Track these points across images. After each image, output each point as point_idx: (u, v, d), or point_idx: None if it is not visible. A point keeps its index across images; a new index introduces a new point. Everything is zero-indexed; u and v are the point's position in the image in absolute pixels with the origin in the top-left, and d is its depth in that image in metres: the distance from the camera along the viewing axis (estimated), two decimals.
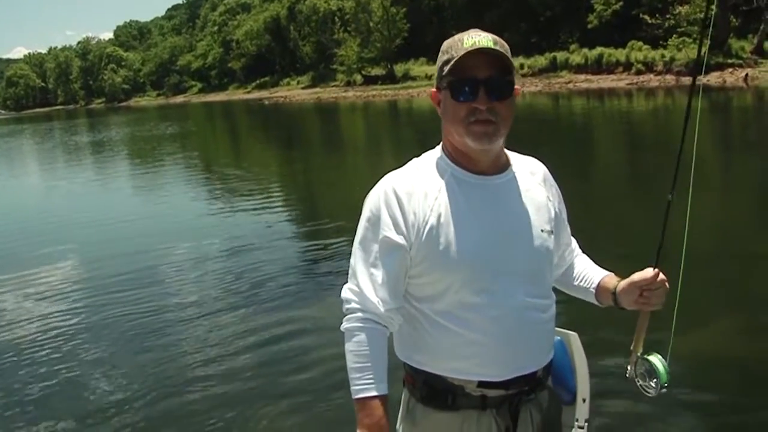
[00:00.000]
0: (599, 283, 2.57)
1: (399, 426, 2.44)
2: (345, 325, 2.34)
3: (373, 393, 2.22)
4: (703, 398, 5.64)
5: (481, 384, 2.28)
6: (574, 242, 2.70)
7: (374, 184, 2.38)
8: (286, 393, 6.25)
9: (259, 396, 6.22)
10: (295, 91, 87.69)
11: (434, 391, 2.32)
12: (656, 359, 2.52)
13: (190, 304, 8.93)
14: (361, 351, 2.26)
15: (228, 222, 14.45)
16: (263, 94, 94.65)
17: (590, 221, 11.55)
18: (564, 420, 3.33)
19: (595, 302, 2.61)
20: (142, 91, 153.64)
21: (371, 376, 2.24)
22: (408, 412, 2.40)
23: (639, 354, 2.57)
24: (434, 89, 2.34)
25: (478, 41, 2.19)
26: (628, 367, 2.60)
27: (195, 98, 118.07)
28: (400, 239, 2.25)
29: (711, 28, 2.59)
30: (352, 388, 2.26)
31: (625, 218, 11.80)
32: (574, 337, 3.13)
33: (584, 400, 3.27)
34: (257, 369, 6.82)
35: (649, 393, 2.56)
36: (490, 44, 2.18)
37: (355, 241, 2.39)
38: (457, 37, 2.26)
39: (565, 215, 2.55)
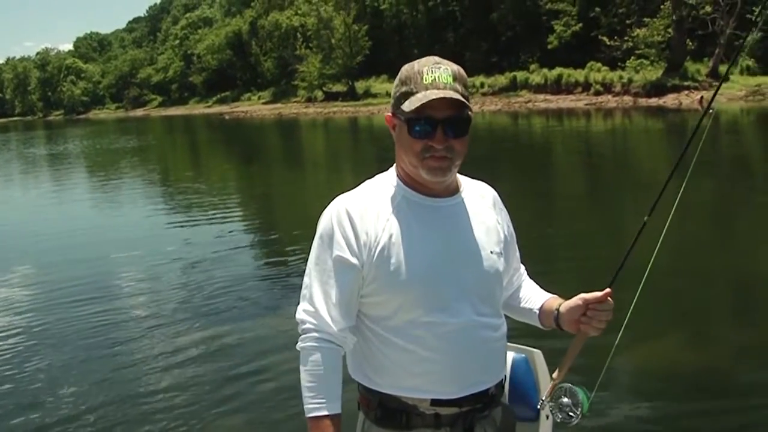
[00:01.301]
0: (543, 305, 2.58)
1: None
2: (300, 344, 2.34)
3: (325, 412, 2.24)
4: (655, 410, 5.75)
5: (434, 402, 2.28)
6: (522, 267, 2.71)
7: (331, 201, 2.39)
8: (239, 402, 6.26)
9: (211, 406, 6.19)
10: (256, 106, 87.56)
11: (388, 412, 2.32)
12: (579, 389, 2.58)
13: (145, 316, 8.87)
14: (314, 370, 2.28)
15: (185, 235, 14.35)
16: (224, 108, 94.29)
17: (547, 240, 11.66)
18: None
19: (539, 325, 2.61)
20: (102, 103, 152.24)
21: (324, 395, 2.26)
22: None
23: (561, 383, 2.63)
24: (389, 113, 2.35)
25: (438, 77, 2.20)
26: (543, 396, 2.67)
27: (155, 112, 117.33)
28: (353, 259, 2.27)
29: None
30: (306, 406, 2.28)
31: (581, 238, 11.91)
32: (538, 354, 3.16)
33: (548, 417, 3.30)
34: (209, 380, 6.80)
35: (567, 421, 2.60)
36: (450, 80, 2.20)
37: (309, 260, 2.40)
38: (417, 66, 2.25)
39: (514, 239, 2.58)
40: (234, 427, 5.92)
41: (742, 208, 13.60)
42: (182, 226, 15.56)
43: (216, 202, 18.81)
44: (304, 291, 2.40)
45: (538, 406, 2.64)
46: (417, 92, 2.20)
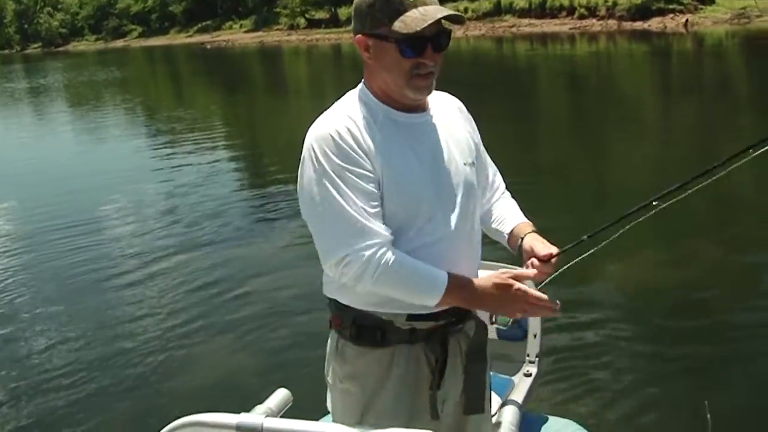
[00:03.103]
0: (513, 230, 2.53)
1: (328, 366, 2.42)
2: (367, 276, 2.11)
3: (445, 277, 2.17)
4: (631, 330, 5.98)
5: (411, 317, 2.27)
6: (499, 179, 2.67)
7: (310, 128, 2.26)
8: (229, 328, 6.46)
9: (195, 331, 6.44)
10: (238, 35, 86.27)
11: (363, 329, 2.29)
12: None
13: (129, 245, 9.07)
14: (406, 267, 2.14)
15: (168, 164, 14.39)
16: (205, 38, 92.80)
17: (529, 163, 11.75)
18: (516, 355, 3.45)
19: (508, 247, 2.56)
20: (80, 35, 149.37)
21: (433, 270, 2.18)
22: (338, 353, 2.36)
23: None
24: (360, 35, 2.23)
25: None
26: None
27: (135, 43, 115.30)
28: (370, 169, 2.16)
29: None
30: (431, 293, 2.16)
31: (562, 164, 12.00)
32: None
33: (535, 336, 3.39)
34: (200, 306, 6.99)
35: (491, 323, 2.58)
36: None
37: (311, 200, 2.18)
38: None
39: (482, 146, 2.55)
40: (219, 349, 6.12)
41: (725, 130, 13.67)
42: (165, 157, 15.54)
43: (199, 132, 18.74)
44: (324, 235, 2.17)
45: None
46: (406, 9, 2.12)
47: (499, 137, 14.38)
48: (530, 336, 3.40)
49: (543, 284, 2.38)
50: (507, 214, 2.59)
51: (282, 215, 9.84)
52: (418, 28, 2.10)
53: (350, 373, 2.34)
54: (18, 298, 7.53)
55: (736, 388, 4.95)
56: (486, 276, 2.27)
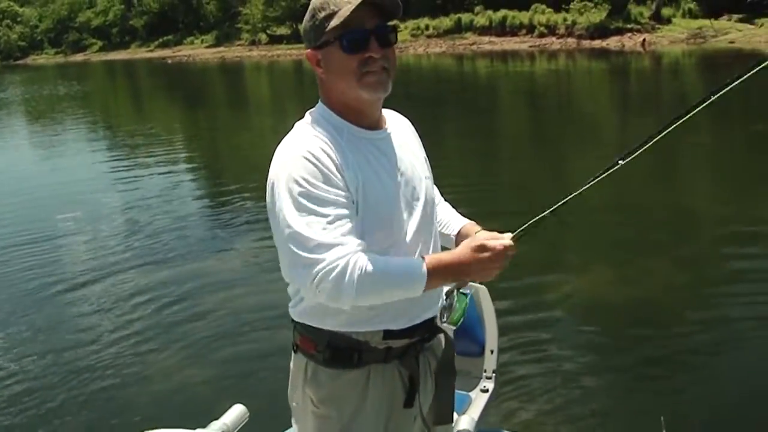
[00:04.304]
0: (460, 230, 2.56)
1: (297, 392, 2.38)
2: (348, 285, 2.03)
3: (420, 260, 2.15)
4: (587, 340, 6.12)
5: (386, 335, 2.27)
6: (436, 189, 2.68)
7: (276, 151, 2.22)
8: (185, 342, 6.50)
9: (158, 345, 6.45)
10: (199, 50, 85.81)
11: (338, 351, 2.27)
12: (464, 297, 2.54)
13: (87, 259, 9.04)
14: (381, 265, 2.08)
15: (129, 179, 14.28)
16: (166, 52, 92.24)
17: (490, 177, 11.85)
18: (473, 371, 3.49)
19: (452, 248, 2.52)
20: (40, 48, 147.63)
21: (406, 259, 2.20)
22: (310, 377, 2.32)
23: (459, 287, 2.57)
24: (309, 50, 2.27)
25: None
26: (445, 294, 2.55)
27: (95, 57, 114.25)
28: (345, 192, 2.13)
29: None
30: (414, 279, 2.11)
31: (521, 177, 12.11)
32: (483, 290, 3.25)
33: (492, 352, 3.43)
34: (156, 319, 7.03)
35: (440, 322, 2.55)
36: None
37: (282, 221, 2.10)
38: None
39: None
40: (176, 363, 6.12)
41: (679, 146, 13.89)
42: (125, 170, 15.46)
43: (159, 147, 18.67)
44: (297, 257, 2.07)
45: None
46: (339, 8, 2.14)
47: (458, 151, 14.62)
48: (487, 352, 3.44)
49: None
50: (451, 218, 2.64)
51: (241, 231, 9.87)
52: (348, 12, 2.12)
53: (326, 397, 2.32)
54: None
55: (692, 400, 5.06)
56: (456, 249, 2.27)
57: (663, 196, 10.35)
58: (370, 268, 2.04)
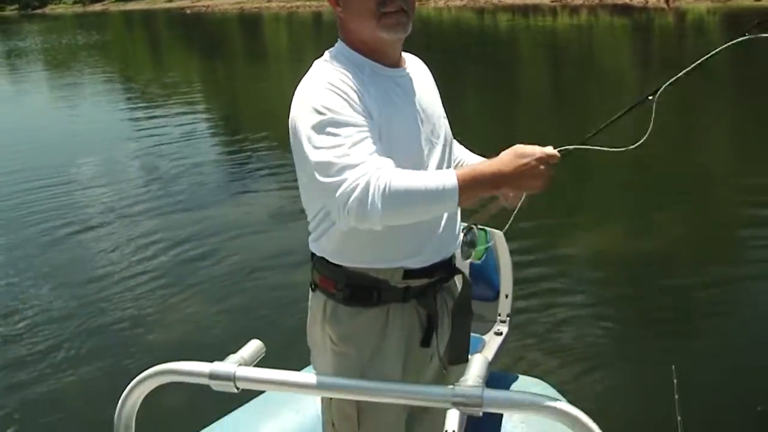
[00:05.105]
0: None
1: (316, 329, 2.37)
2: (375, 200, 1.92)
3: (454, 173, 2.00)
4: (595, 295, 6.16)
5: (406, 274, 2.27)
6: None
7: (297, 89, 2.18)
8: (202, 284, 6.61)
9: (175, 287, 6.54)
10: (218, 1, 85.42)
11: (358, 289, 2.27)
12: (484, 234, 2.52)
13: (107, 205, 9.13)
14: (410, 178, 1.97)
15: (147, 128, 14.33)
16: (185, 2, 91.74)
17: (509, 129, 11.81)
18: (488, 315, 3.52)
19: None
20: None
21: (436, 172, 2.14)
22: (329, 315, 2.31)
23: (476, 223, 2.56)
24: None
25: None
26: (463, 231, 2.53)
27: (114, 6, 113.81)
28: (368, 118, 2.08)
29: None
30: (442, 196, 1.98)
31: (540, 129, 12.06)
32: (499, 235, 3.25)
33: (507, 296, 3.46)
34: (174, 262, 7.14)
35: (463, 257, 2.56)
36: None
37: (314, 156, 2.03)
38: None
39: None
40: (192, 304, 6.23)
41: (703, 106, 13.79)
42: (143, 119, 15.49)
43: (177, 97, 18.66)
44: (324, 179, 1.99)
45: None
46: None
47: (477, 104, 14.64)
48: (502, 296, 3.47)
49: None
50: (466, 155, 2.62)
51: (257, 176, 9.92)
52: None
53: (346, 335, 2.31)
54: None
55: (702, 350, 5.09)
56: (492, 159, 2.10)
57: (685, 157, 10.30)
58: (395, 181, 1.93)
